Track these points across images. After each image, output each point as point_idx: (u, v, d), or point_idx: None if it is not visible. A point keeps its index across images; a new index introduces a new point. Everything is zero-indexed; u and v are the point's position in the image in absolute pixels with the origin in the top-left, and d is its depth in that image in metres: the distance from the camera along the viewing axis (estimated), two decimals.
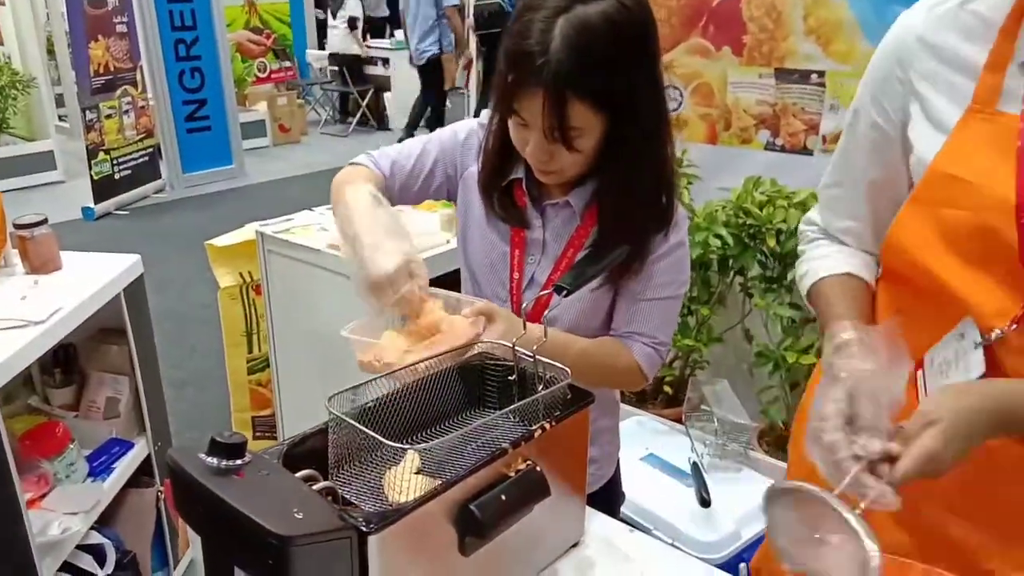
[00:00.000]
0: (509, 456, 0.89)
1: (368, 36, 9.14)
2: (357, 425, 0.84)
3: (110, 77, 5.92)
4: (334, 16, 8.83)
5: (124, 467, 2.01)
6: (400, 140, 1.34)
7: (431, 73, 7.93)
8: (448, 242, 2.14)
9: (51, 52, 7.80)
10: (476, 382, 1.06)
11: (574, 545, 1.07)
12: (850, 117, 1.05)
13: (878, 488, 0.79)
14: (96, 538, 1.95)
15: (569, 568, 1.03)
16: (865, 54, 2.09)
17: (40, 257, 1.88)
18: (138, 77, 6.26)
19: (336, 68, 8.97)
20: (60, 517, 1.76)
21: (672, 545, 1.65)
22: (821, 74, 2.31)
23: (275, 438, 2.73)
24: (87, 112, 5.76)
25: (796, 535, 0.84)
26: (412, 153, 1.29)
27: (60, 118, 8.02)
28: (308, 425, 0.91)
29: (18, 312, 1.66)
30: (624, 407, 2.34)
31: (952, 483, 0.93)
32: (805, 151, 2.40)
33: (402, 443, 0.82)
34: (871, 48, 1.01)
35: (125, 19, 6.04)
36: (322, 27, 10.22)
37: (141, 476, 2.12)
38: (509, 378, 1.03)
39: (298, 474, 0.82)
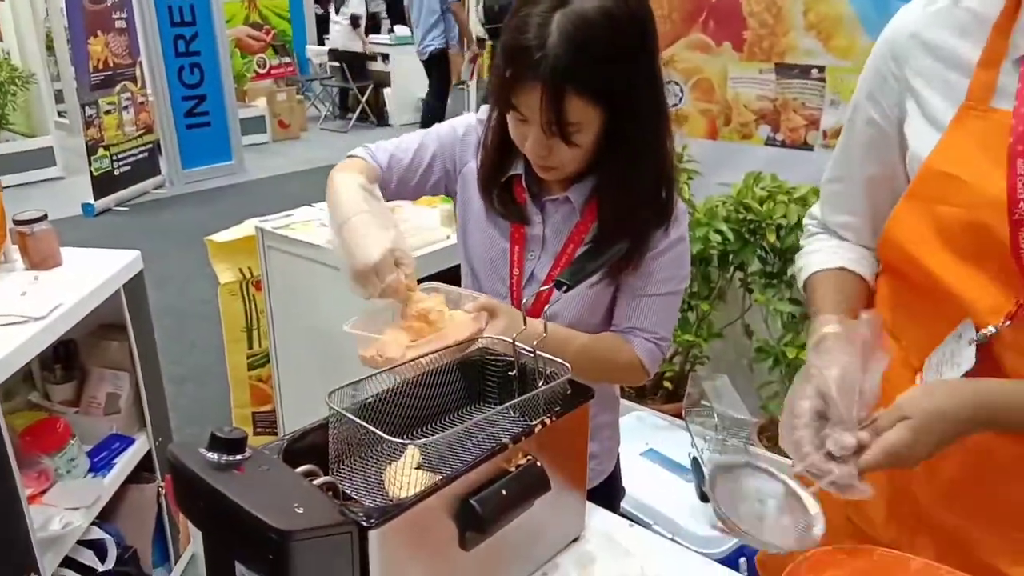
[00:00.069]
0: (509, 451, 0.89)
1: (368, 32, 9.12)
2: (357, 420, 0.84)
3: (109, 73, 5.91)
4: (336, 12, 8.81)
5: (125, 463, 2.01)
6: None
7: (435, 67, 7.93)
8: (448, 238, 2.14)
9: (50, 48, 7.79)
10: (476, 377, 1.06)
11: (574, 540, 1.07)
12: (850, 113, 1.05)
13: (839, 472, 0.82)
14: (97, 533, 1.96)
15: (570, 563, 1.03)
16: (865, 49, 2.09)
17: (40, 253, 1.88)
18: (137, 73, 6.25)
19: (336, 64, 8.96)
20: (61, 512, 1.77)
21: (672, 540, 1.65)
22: (821, 69, 2.30)
23: (275, 434, 2.74)
24: (86, 108, 5.75)
25: (742, 507, 0.87)
26: (410, 147, 1.28)
27: (59, 114, 8.00)
28: (308, 421, 0.91)
29: (18, 308, 1.66)
30: (624, 402, 2.34)
31: (953, 480, 0.94)
32: (805, 146, 2.39)
33: (402, 438, 0.82)
34: (871, 43, 1.01)
35: (124, 15, 6.03)
36: (321, 23, 10.22)
37: (142, 472, 2.13)
38: (509, 373, 1.03)
39: (298, 469, 0.82)
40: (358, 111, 9.15)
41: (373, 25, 9.31)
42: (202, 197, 6.49)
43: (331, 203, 1.13)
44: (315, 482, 0.81)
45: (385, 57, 9.19)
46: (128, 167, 6.22)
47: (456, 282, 1.29)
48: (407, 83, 9.20)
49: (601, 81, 1.03)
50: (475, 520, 0.84)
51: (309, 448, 0.88)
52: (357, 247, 1.04)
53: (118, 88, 6.01)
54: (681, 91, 2.60)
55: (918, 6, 0.95)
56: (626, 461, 1.54)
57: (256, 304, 2.63)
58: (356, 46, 8.86)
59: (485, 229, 1.27)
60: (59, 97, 8.02)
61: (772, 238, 2.20)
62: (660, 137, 1.14)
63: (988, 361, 0.88)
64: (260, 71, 8.71)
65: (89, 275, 1.87)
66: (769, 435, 2.37)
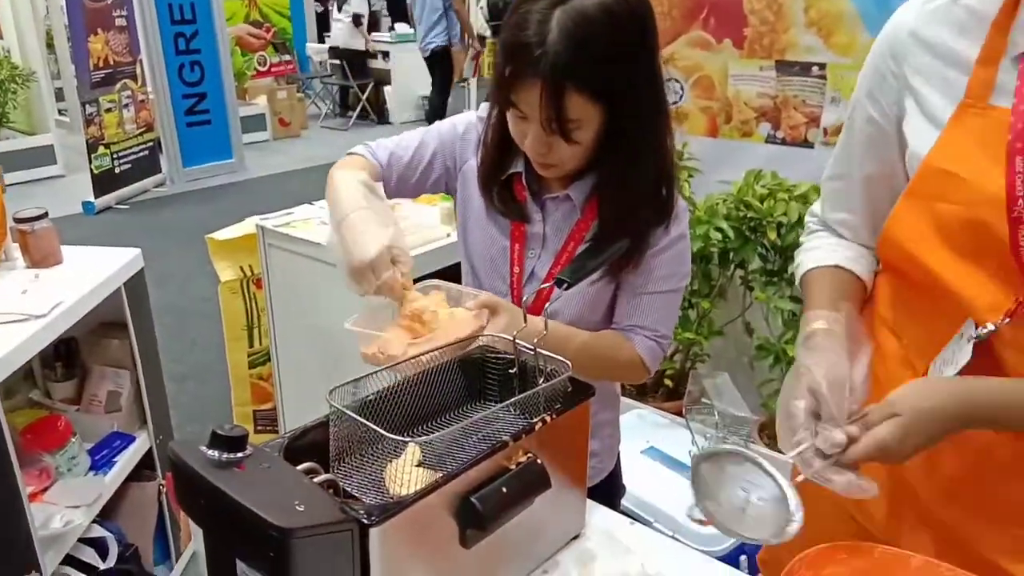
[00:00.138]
0: (510, 449, 0.89)
1: (368, 30, 9.12)
2: (358, 418, 0.84)
3: (110, 71, 5.91)
4: (339, 9, 8.80)
5: (126, 461, 2.01)
6: None
7: (437, 64, 7.94)
8: (448, 235, 2.14)
9: (50, 46, 7.79)
10: (477, 375, 1.06)
11: (575, 537, 1.07)
12: (850, 112, 1.05)
13: (839, 480, 0.83)
14: (98, 531, 1.96)
15: (570, 560, 1.03)
16: (866, 46, 2.09)
17: (41, 251, 1.88)
18: (138, 71, 6.25)
19: (336, 62, 8.96)
20: (62, 510, 1.77)
21: (673, 537, 1.65)
22: (822, 66, 2.30)
23: (276, 432, 2.74)
24: (87, 106, 5.75)
25: (722, 495, 0.88)
26: (410, 145, 1.28)
27: (60, 112, 8.01)
28: (309, 419, 0.91)
29: (19, 306, 1.66)
30: (624, 400, 2.34)
31: (953, 478, 0.94)
32: (806, 144, 2.39)
33: (403, 436, 0.82)
34: (872, 40, 1.01)
35: (124, 12, 6.03)
36: (321, 20, 10.21)
37: (143, 470, 2.13)
38: (510, 371, 1.03)
39: (299, 467, 0.82)
40: (358, 109, 9.15)
41: (373, 22, 9.31)
42: (203, 195, 6.49)
43: (331, 199, 1.13)
44: (316, 480, 0.81)
45: (385, 55, 9.19)
46: (128, 165, 6.22)
47: (456, 280, 1.29)
48: (407, 81, 9.20)
49: (601, 78, 1.03)
50: (476, 518, 0.84)
51: (310, 446, 0.88)
52: (355, 243, 1.04)
53: (118, 86, 6.01)
54: (681, 88, 2.60)
55: (917, 4, 0.95)
56: (627, 459, 1.54)
57: (257, 302, 2.63)
58: (358, 44, 8.86)
59: (485, 227, 1.27)
60: (59, 95, 8.03)
61: (773, 236, 2.20)
62: (660, 135, 1.14)
63: (988, 359, 0.88)
64: (260, 69, 8.71)
65: (90, 273, 1.87)
66: (770, 433, 2.37)
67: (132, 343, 2.02)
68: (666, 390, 2.63)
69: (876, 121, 1.00)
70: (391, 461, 0.87)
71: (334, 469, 0.89)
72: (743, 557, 1.83)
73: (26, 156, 6.59)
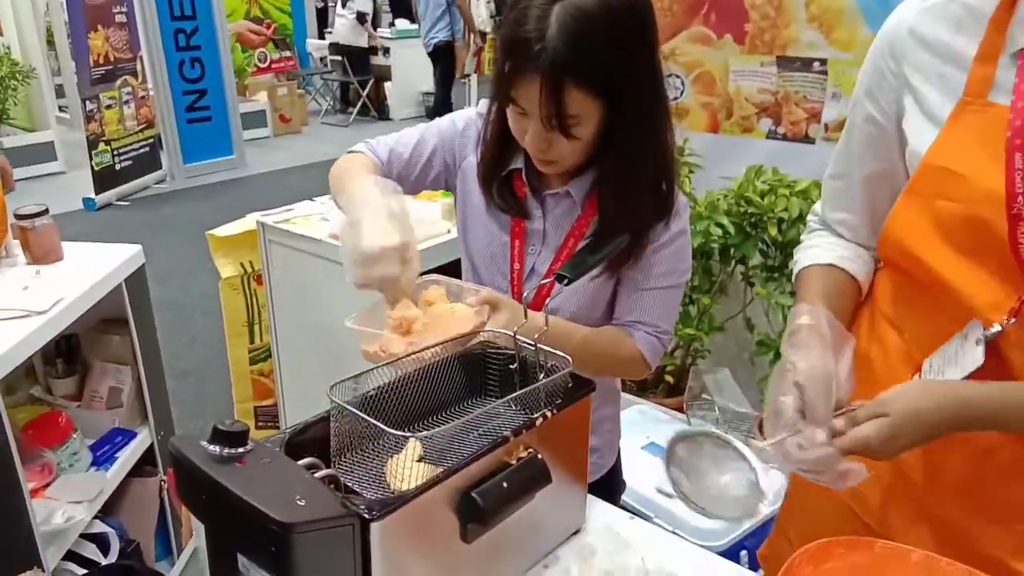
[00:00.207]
0: (510, 444, 0.89)
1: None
2: (359, 413, 0.85)
3: (110, 67, 5.91)
4: (343, 5, 8.79)
5: (127, 456, 2.02)
6: None
7: (440, 59, 7.95)
8: (449, 231, 2.14)
9: (51, 42, 7.79)
10: (478, 371, 1.06)
11: (575, 532, 1.07)
12: (850, 110, 1.05)
13: (825, 479, 0.85)
14: (100, 527, 1.97)
15: (570, 555, 1.03)
16: (867, 42, 2.09)
17: (41, 247, 1.88)
18: (138, 67, 6.25)
19: (337, 58, 8.95)
20: (64, 506, 1.77)
21: (673, 532, 1.66)
22: (823, 62, 2.30)
23: (277, 428, 2.74)
24: (87, 102, 5.75)
25: (696, 474, 0.89)
26: (410, 142, 1.28)
27: (60, 109, 8.01)
28: (310, 415, 0.91)
29: (20, 302, 1.66)
30: (625, 396, 2.34)
31: (956, 478, 0.94)
32: (807, 139, 2.39)
33: (404, 431, 0.82)
34: (873, 35, 1.01)
35: (124, 9, 6.02)
36: (322, 16, 10.20)
37: (144, 465, 2.13)
38: (511, 366, 1.03)
39: (300, 462, 0.82)
40: (359, 105, 9.14)
41: (375, 18, 9.31)
42: (203, 192, 6.49)
43: (348, 200, 1.09)
44: (317, 475, 0.81)
45: (386, 51, 9.18)
46: (129, 162, 6.22)
47: (457, 276, 1.29)
48: (408, 77, 9.20)
49: (601, 74, 1.03)
50: (476, 512, 0.84)
51: (311, 441, 0.88)
52: (371, 232, 1.00)
53: (119, 82, 6.01)
54: (682, 84, 2.60)
55: (915, 1, 0.95)
56: (627, 455, 1.54)
57: (257, 298, 2.64)
58: (360, 40, 8.86)
59: (485, 223, 1.27)
60: (60, 92, 8.03)
61: (773, 231, 2.20)
62: (660, 130, 1.13)
63: (994, 359, 0.88)
64: (261, 65, 8.71)
65: (91, 269, 1.87)
66: None
67: (133, 339, 2.02)
68: (667, 386, 2.63)
69: (876, 119, 1.00)
70: (392, 456, 0.87)
71: (335, 464, 0.89)
72: (743, 552, 1.83)
73: (27, 153, 6.58)
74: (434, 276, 1.12)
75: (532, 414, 0.93)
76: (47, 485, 1.80)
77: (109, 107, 5.93)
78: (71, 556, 1.85)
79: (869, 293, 1.08)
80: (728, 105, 2.53)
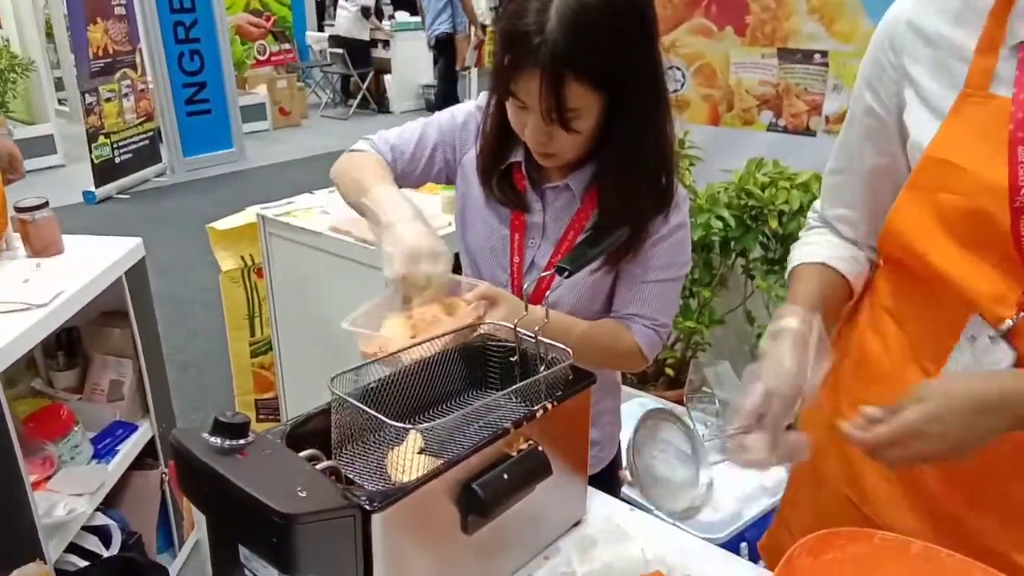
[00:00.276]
0: (511, 436, 0.89)
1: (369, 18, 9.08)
2: (360, 405, 0.85)
3: (109, 60, 5.90)
4: None
5: (128, 449, 2.02)
6: None
7: (442, 51, 7.95)
8: (449, 224, 2.13)
9: (50, 35, 7.77)
10: (478, 363, 1.07)
11: (576, 524, 1.07)
12: (851, 104, 1.04)
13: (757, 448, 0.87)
14: (101, 519, 1.97)
15: (571, 546, 1.04)
16: (868, 34, 2.09)
17: (42, 240, 1.88)
18: (137, 60, 6.23)
19: (337, 50, 8.93)
20: (65, 498, 1.78)
21: (673, 524, 1.66)
22: (824, 54, 2.29)
23: (278, 421, 2.75)
24: (87, 95, 5.74)
25: (649, 460, 0.90)
26: (412, 138, 1.28)
27: (60, 102, 7.99)
28: (311, 407, 0.92)
29: (20, 295, 1.66)
30: (625, 389, 2.35)
31: (961, 470, 0.94)
32: (808, 132, 2.39)
33: (405, 423, 0.82)
34: (874, 28, 1.00)
35: (123, 1, 6.01)
36: (320, 8, 10.16)
37: (145, 458, 2.14)
38: (511, 359, 1.03)
39: (301, 454, 0.83)
40: (359, 98, 9.12)
41: (376, 11, 9.28)
42: (203, 185, 6.49)
43: (374, 196, 1.14)
44: (318, 466, 0.82)
45: (386, 43, 9.16)
46: (129, 155, 6.21)
47: (457, 269, 1.29)
48: (408, 69, 9.18)
49: (600, 67, 1.02)
50: (477, 504, 0.85)
51: (312, 433, 0.89)
52: (416, 232, 1.07)
53: (118, 75, 6.00)
54: (683, 76, 2.59)
55: None
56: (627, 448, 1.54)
57: (258, 291, 2.64)
58: (362, 34, 8.83)
59: (485, 217, 1.27)
60: (59, 84, 8.01)
61: (774, 224, 2.20)
62: (660, 123, 1.13)
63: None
64: (260, 58, 8.68)
65: (91, 262, 1.87)
66: None
67: (134, 332, 2.02)
68: (667, 379, 2.63)
69: (876, 112, 0.99)
70: (393, 448, 0.87)
71: (336, 456, 0.89)
72: (743, 544, 1.84)
73: (26, 146, 6.48)
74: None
75: (532, 406, 0.94)
76: (49, 478, 1.80)
77: (108, 100, 5.92)
78: (73, 548, 1.85)
79: (870, 286, 1.08)
80: (729, 97, 2.52)
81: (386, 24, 9.25)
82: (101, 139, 5.87)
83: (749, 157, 2.33)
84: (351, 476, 0.87)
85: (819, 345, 0.91)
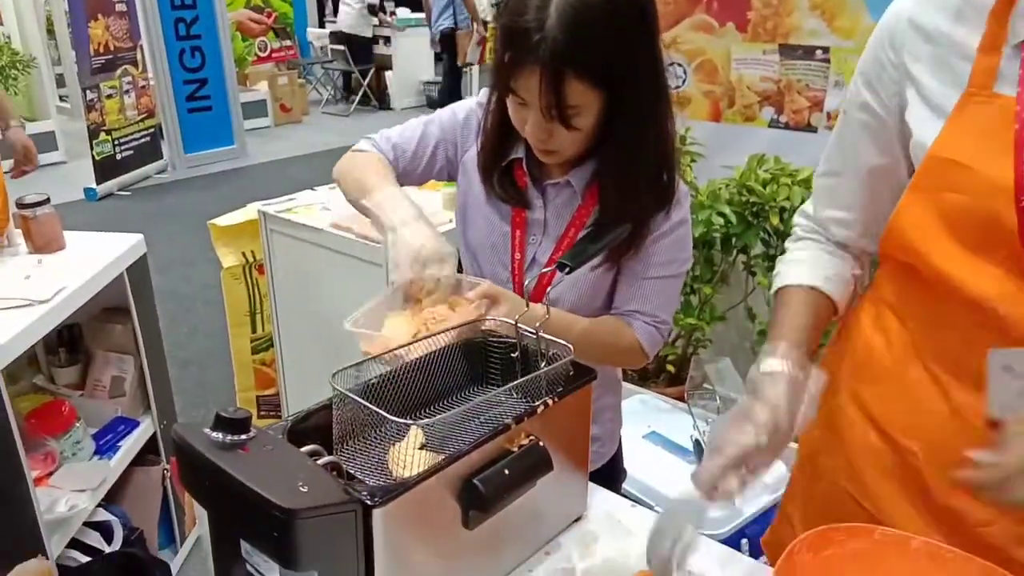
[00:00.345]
0: (512, 431, 0.89)
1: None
2: (361, 401, 0.85)
3: (110, 56, 5.89)
4: None
5: (130, 445, 2.02)
6: None
7: (445, 47, 7.96)
8: (451, 221, 2.13)
9: (51, 31, 7.76)
10: (479, 359, 1.07)
11: (577, 519, 1.08)
12: (845, 105, 1.03)
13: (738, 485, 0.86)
14: (103, 515, 1.98)
15: (572, 542, 1.04)
16: (869, 30, 2.09)
17: (43, 237, 1.89)
18: (138, 56, 6.23)
19: (339, 47, 8.92)
20: (67, 494, 1.78)
21: None
22: (825, 50, 2.29)
23: (279, 417, 2.75)
24: (88, 92, 5.74)
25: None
26: (413, 136, 1.28)
27: (61, 98, 8.00)
28: (313, 404, 0.92)
29: (22, 291, 1.67)
30: (626, 386, 2.35)
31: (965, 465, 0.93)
32: (809, 128, 2.38)
33: (406, 419, 0.82)
34: (875, 23, 1.00)
35: None
36: (320, 4, 10.15)
37: (147, 454, 2.14)
38: (512, 355, 1.04)
39: (303, 449, 0.83)
40: (360, 95, 9.12)
41: (380, 7, 9.28)
42: (204, 181, 6.49)
43: (378, 198, 1.15)
44: (319, 462, 0.82)
45: (387, 40, 9.15)
46: (130, 151, 6.21)
47: (457, 267, 1.29)
48: (409, 66, 9.18)
49: (601, 64, 1.02)
50: (478, 499, 0.85)
51: (313, 428, 0.89)
52: (423, 235, 1.09)
53: (119, 72, 5.99)
54: (684, 73, 2.59)
55: None
56: (628, 444, 1.54)
57: (259, 288, 2.64)
58: (365, 30, 8.83)
59: (486, 214, 1.27)
60: (60, 81, 8.01)
61: (775, 221, 2.20)
62: (661, 120, 1.13)
63: None
64: (261, 54, 8.67)
65: (92, 259, 1.87)
66: None
67: (135, 328, 2.03)
68: (668, 375, 2.63)
69: (876, 112, 0.98)
70: (394, 444, 0.88)
71: (337, 452, 0.89)
72: (744, 540, 1.84)
73: None
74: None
75: (533, 402, 0.94)
76: (51, 473, 1.81)
77: (110, 97, 5.92)
78: (75, 544, 1.86)
79: (873, 283, 1.08)
80: (730, 94, 2.52)
81: (388, 20, 9.24)
82: (102, 136, 5.87)
83: (750, 153, 2.33)
84: (352, 471, 0.87)
85: (812, 399, 0.91)
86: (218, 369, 3.28)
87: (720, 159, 2.46)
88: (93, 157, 5.81)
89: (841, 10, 2.23)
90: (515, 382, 0.94)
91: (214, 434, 0.76)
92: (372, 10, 8.74)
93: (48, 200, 1.88)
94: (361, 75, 9.01)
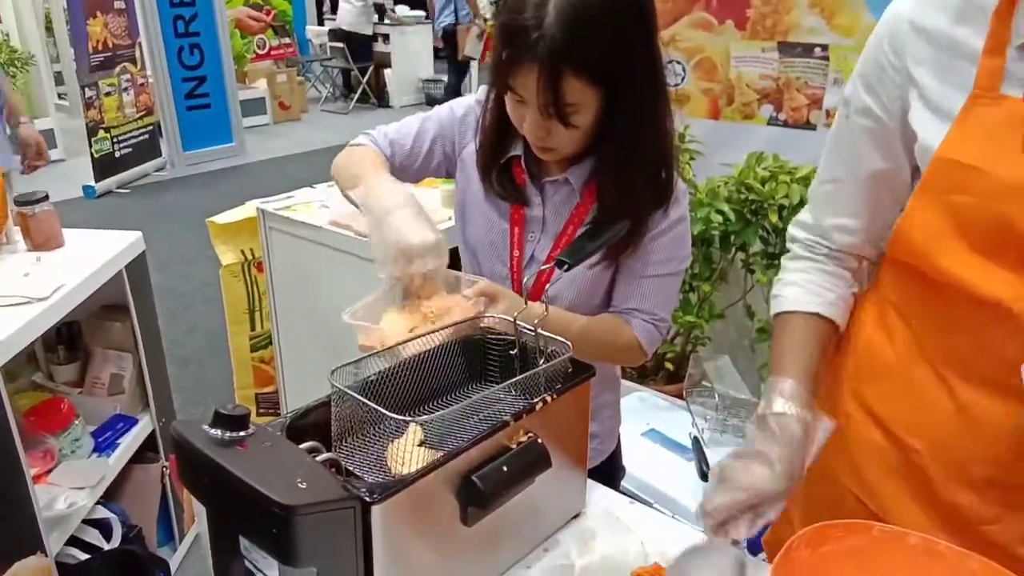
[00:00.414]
0: (511, 428, 0.89)
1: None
2: (360, 398, 0.85)
3: (109, 54, 5.89)
4: None
5: (129, 443, 2.02)
6: None
7: (447, 43, 7.97)
8: (450, 218, 2.14)
9: (49, 29, 7.76)
10: (478, 356, 1.07)
11: (575, 516, 1.08)
12: (843, 110, 1.02)
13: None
14: (102, 513, 1.98)
15: (570, 538, 1.04)
16: (869, 27, 2.08)
17: (42, 234, 1.88)
18: (137, 54, 6.22)
19: (338, 44, 8.91)
20: (66, 492, 1.78)
21: (672, 517, 1.66)
22: (824, 48, 2.29)
23: (278, 415, 2.75)
24: (86, 90, 5.73)
25: None
26: (411, 132, 1.28)
27: (59, 96, 7.99)
28: (311, 402, 0.92)
29: (21, 289, 1.67)
30: (625, 383, 2.35)
31: (970, 463, 0.93)
32: (808, 126, 2.38)
33: (405, 416, 0.83)
34: (875, 22, 0.99)
35: None
36: (319, 1, 10.13)
37: (146, 452, 2.14)
38: (511, 352, 1.04)
39: (301, 446, 0.83)
40: (359, 92, 9.11)
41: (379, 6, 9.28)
42: (203, 179, 6.48)
43: (369, 190, 1.12)
44: (318, 458, 0.82)
45: (386, 37, 9.14)
46: (129, 149, 6.21)
47: (457, 264, 1.29)
48: (408, 64, 9.17)
49: (599, 62, 1.02)
50: (477, 496, 0.85)
51: (312, 425, 0.89)
52: (412, 227, 1.05)
53: (118, 69, 5.99)
54: (683, 70, 2.59)
55: None
56: (627, 441, 1.54)
57: (258, 286, 2.64)
58: (365, 28, 8.82)
59: (485, 211, 1.27)
60: (59, 79, 8.00)
61: (774, 218, 2.20)
62: (659, 117, 1.13)
63: None
64: (260, 52, 8.67)
65: (91, 256, 1.87)
66: None
67: (134, 326, 2.03)
68: (667, 373, 2.63)
69: (877, 116, 0.96)
70: (393, 441, 0.88)
71: (336, 448, 0.89)
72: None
73: None
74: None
75: (532, 399, 0.94)
76: (49, 471, 1.81)
77: (108, 94, 5.91)
78: (74, 541, 1.86)
79: (874, 283, 1.07)
80: (729, 91, 2.52)
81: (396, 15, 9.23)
82: (101, 133, 5.86)
83: (749, 151, 2.33)
84: (351, 468, 0.87)
85: (819, 447, 0.92)
86: (217, 366, 3.28)
87: (719, 157, 2.46)
88: (92, 155, 5.81)
89: (840, 8, 2.23)
90: (514, 379, 0.94)
91: (213, 431, 0.76)
92: (379, 9, 8.73)
93: (47, 197, 1.88)
94: (360, 73, 9.00)
